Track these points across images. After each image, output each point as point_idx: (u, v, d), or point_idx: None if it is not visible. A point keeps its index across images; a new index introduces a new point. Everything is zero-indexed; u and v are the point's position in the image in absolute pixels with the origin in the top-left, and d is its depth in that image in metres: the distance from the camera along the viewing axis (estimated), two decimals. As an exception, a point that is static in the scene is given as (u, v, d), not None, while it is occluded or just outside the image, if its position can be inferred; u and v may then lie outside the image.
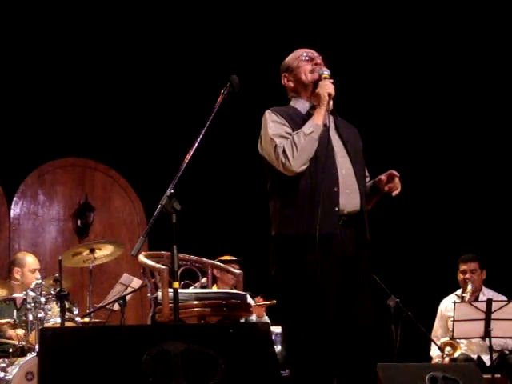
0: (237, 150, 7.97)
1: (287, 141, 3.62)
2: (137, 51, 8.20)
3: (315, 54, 3.88)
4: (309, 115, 3.75)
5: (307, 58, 3.85)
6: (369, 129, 4.15)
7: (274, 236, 3.73)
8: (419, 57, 8.05)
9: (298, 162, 3.60)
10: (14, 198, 8.34)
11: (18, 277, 6.26)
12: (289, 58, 3.92)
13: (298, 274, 3.58)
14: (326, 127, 3.69)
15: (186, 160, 3.68)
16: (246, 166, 8.06)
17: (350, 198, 3.67)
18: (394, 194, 3.77)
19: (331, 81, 3.74)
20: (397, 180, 3.77)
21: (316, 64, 3.82)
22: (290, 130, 3.69)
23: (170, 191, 3.57)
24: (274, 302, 6.29)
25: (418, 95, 8.11)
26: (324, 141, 3.66)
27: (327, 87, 3.70)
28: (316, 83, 3.77)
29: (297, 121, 3.73)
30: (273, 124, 3.71)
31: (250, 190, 8.01)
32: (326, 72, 3.77)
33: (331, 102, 3.76)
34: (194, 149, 3.70)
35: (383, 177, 3.81)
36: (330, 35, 7.75)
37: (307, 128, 3.64)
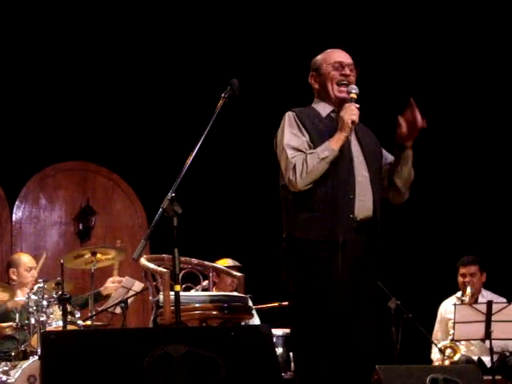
0: (238, 153, 7.99)
1: (299, 157, 3.62)
2: (138, 53, 8.20)
3: (347, 60, 3.84)
4: (329, 118, 3.78)
5: (337, 65, 3.80)
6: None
7: (285, 238, 3.73)
8: (420, 61, 8.05)
9: (304, 182, 3.62)
10: (16, 202, 8.34)
11: (14, 277, 6.31)
12: (320, 59, 3.87)
13: (308, 278, 3.60)
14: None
15: (187, 163, 3.70)
16: (247, 169, 8.10)
17: (363, 204, 3.68)
18: (424, 125, 3.80)
19: (357, 106, 3.70)
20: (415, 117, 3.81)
21: (344, 75, 3.78)
22: (305, 139, 3.69)
23: (171, 194, 3.60)
24: (275, 304, 6.29)
25: (418, 97, 8.09)
26: (344, 148, 3.66)
27: (352, 113, 3.66)
28: (342, 100, 3.75)
29: (316, 124, 3.74)
30: (290, 130, 3.72)
31: (251, 192, 8.03)
32: (354, 91, 3.74)
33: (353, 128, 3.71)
34: (195, 152, 3.72)
35: (403, 129, 3.79)
36: (331, 39, 7.75)
37: (323, 151, 3.62)
